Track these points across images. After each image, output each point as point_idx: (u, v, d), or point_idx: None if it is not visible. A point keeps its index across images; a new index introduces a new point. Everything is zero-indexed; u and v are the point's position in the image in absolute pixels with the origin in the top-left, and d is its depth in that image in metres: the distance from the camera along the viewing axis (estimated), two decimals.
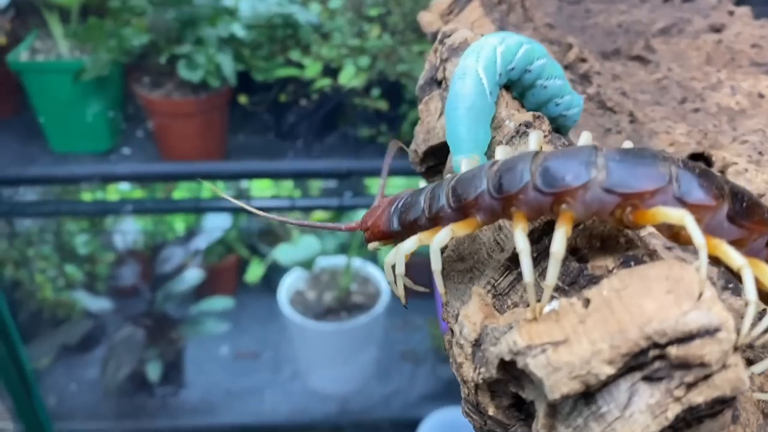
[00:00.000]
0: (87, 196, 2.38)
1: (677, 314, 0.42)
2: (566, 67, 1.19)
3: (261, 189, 2.45)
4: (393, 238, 0.65)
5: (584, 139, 0.60)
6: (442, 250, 0.62)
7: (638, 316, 0.43)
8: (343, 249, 2.68)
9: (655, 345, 0.42)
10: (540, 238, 0.56)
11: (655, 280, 0.45)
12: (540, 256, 0.55)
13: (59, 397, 2.50)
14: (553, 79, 0.75)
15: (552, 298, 0.49)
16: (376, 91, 2.15)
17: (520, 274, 0.56)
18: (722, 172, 0.99)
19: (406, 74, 2.14)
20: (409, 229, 0.62)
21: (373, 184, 2.28)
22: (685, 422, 0.44)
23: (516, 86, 0.76)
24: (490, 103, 0.70)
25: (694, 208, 0.48)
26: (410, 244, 0.59)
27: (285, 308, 2.53)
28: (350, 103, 2.15)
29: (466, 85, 0.69)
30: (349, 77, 2.03)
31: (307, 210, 2.35)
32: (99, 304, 2.54)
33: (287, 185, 2.45)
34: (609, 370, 0.43)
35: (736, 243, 0.49)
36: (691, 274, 0.45)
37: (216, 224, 2.54)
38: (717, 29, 1.41)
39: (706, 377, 0.43)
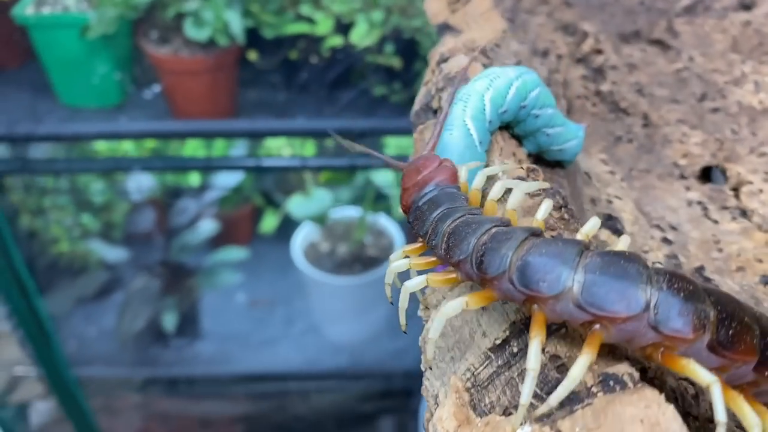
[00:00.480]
0: (101, 146, 2.36)
1: None
2: (579, 61, 1.13)
3: (275, 147, 2.41)
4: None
5: (590, 225, 0.56)
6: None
7: None
8: (357, 200, 2.66)
9: None
10: (522, 330, 0.54)
11: (629, 422, 0.43)
12: (520, 354, 0.53)
13: (78, 344, 2.56)
14: (545, 107, 0.71)
15: (524, 421, 0.47)
16: (389, 47, 2.08)
17: (500, 367, 0.54)
18: (735, 190, 0.94)
19: (422, 30, 2.05)
20: (418, 233, 0.63)
21: (390, 143, 2.24)
22: None
23: (510, 123, 0.72)
24: (481, 153, 0.67)
25: (669, 338, 0.45)
26: (401, 264, 0.62)
27: (299, 260, 2.54)
28: (363, 60, 2.08)
29: (454, 137, 0.65)
30: (361, 35, 1.95)
31: (317, 169, 2.32)
32: (115, 253, 2.57)
33: (297, 142, 2.41)
34: None
35: (717, 369, 0.46)
36: (668, 417, 0.43)
37: (228, 180, 2.53)
38: (747, 6, 1.32)
39: None
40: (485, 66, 0.84)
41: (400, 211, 0.69)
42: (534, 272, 0.50)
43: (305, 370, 2.59)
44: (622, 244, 0.54)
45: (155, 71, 2.11)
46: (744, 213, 0.88)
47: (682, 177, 0.94)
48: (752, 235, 0.83)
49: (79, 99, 2.19)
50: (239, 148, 2.37)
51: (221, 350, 2.61)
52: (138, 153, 2.41)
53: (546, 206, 0.59)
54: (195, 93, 2.09)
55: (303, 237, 2.62)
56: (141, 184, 2.57)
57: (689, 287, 0.46)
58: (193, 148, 2.40)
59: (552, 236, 0.53)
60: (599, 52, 1.14)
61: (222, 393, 2.66)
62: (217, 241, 2.71)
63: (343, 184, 2.61)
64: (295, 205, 2.51)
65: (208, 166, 2.26)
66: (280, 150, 2.42)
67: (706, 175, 1.00)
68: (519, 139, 0.75)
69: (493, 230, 0.55)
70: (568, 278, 0.48)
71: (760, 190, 0.91)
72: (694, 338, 0.45)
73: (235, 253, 2.65)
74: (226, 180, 2.52)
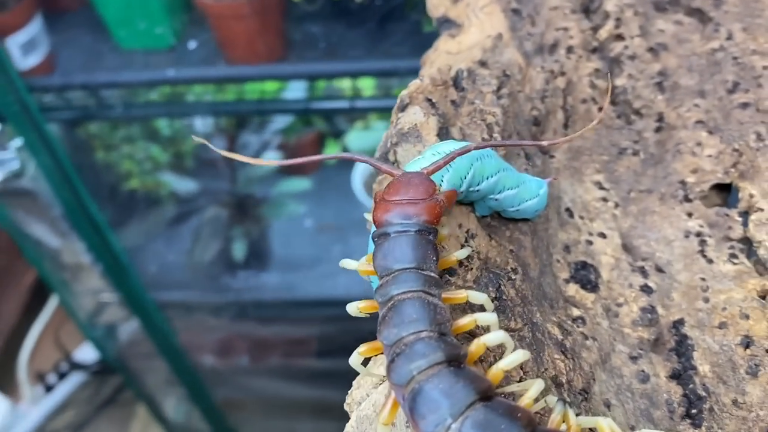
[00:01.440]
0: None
1: None
2: (594, 51, 1.03)
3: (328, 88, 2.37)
4: None
5: (510, 360, 0.53)
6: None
7: None
8: None
9: None
10: None
11: None
12: None
13: (156, 270, 2.72)
14: (485, 180, 0.66)
15: None
16: None
17: None
18: (746, 214, 0.86)
19: None
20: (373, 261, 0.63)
21: None
22: None
23: None
24: None
25: None
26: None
27: (359, 193, 2.55)
28: None
29: None
30: None
31: (368, 110, 2.29)
32: (185, 185, 2.67)
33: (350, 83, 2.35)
34: None
35: None
36: None
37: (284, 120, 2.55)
38: None
39: None
40: (454, 102, 0.79)
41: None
42: (421, 403, 0.49)
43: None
44: (532, 390, 0.52)
45: (202, 15, 2.09)
46: (745, 249, 0.81)
47: (686, 199, 0.87)
48: (745, 283, 0.77)
49: (135, 42, 2.22)
50: (295, 89, 2.35)
51: (288, 277, 2.71)
52: (201, 92, 2.43)
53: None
54: (242, 36, 2.07)
55: (363, 168, 2.62)
56: (206, 118, 2.62)
57: None
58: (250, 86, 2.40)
59: (463, 369, 0.51)
60: (619, 38, 1.04)
61: (291, 316, 2.79)
62: (283, 170, 2.75)
63: None
64: (354, 138, 2.50)
65: (261, 110, 2.26)
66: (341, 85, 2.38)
67: (726, 187, 0.92)
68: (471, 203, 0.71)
69: (423, 335, 0.54)
70: (445, 426, 0.48)
71: None
72: None
73: (298, 183, 2.69)
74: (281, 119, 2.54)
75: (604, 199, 0.86)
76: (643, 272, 0.78)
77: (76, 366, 3.41)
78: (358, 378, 0.63)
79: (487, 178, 0.65)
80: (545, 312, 0.69)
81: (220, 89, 2.38)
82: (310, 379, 3.06)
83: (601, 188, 0.87)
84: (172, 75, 2.11)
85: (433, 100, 0.76)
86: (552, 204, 0.80)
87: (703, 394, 0.69)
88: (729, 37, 1.05)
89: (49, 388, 3.35)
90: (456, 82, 0.80)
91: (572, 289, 0.74)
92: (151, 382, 3.02)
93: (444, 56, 0.94)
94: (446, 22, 1.00)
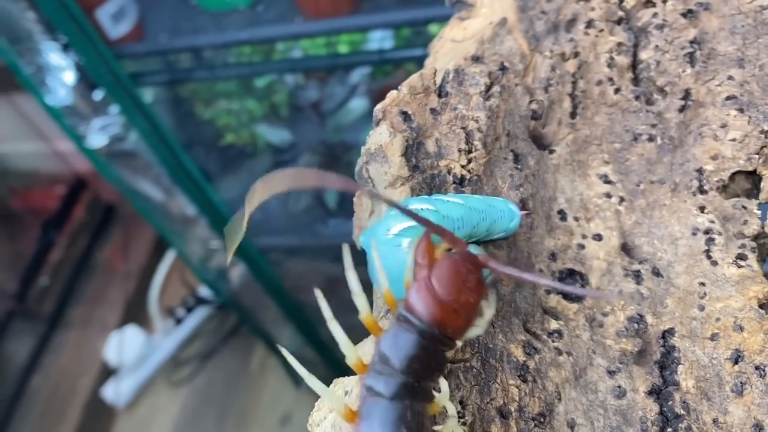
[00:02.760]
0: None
1: None
2: (619, 22, 0.96)
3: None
4: None
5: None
6: None
7: None
8: None
9: None
10: None
11: None
12: None
13: (257, 217, 2.86)
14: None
15: None
16: None
17: None
18: (766, 205, 0.80)
19: None
20: None
21: None
22: None
23: None
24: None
25: None
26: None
27: None
28: None
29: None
30: None
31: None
32: (279, 135, 2.75)
33: None
34: None
35: None
36: None
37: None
38: None
39: None
40: (434, 111, 0.77)
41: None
42: (369, 424, 0.50)
43: None
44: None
45: None
46: (757, 248, 0.76)
47: (701, 191, 0.81)
48: (747, 290, 0.72)
49: (216, 3, 2.28)
50: (379, 37, 2.32)
51: None
52: (290, 46, 2.46)
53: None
54: None
55: None
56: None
57: None
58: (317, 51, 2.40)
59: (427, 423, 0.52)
60: (649, 3, 0.96)
61: None
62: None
63: None
64: None
65: (334, 65, 2.27)
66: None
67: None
68: None
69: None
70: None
71: None
72: None
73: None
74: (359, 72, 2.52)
75: (608, 195, 0.82)
76: (638, 277, 0.75)
77: (201, 301, 3.70)
78: (318, 401, 0.66)
79: (450, 219, 0.63)
80: (512, 332, 0.68)
81: (312, 42, 2.40)
82: None
83: (607, 182, 0.83)
84: (249, 36, 2.16)
85: (409, 112, 0.75)
86: (541, 209, 0.78)
87: (681, 412, 0.67)
88: None
89: (178, 321, 3.66)
90: (440, 87, 0.78)
91: (553, 300, 0.73)
92: (265, 319, 3.22)
93: (448, 45, 0.91)
94: (458, 2, 0.97)
